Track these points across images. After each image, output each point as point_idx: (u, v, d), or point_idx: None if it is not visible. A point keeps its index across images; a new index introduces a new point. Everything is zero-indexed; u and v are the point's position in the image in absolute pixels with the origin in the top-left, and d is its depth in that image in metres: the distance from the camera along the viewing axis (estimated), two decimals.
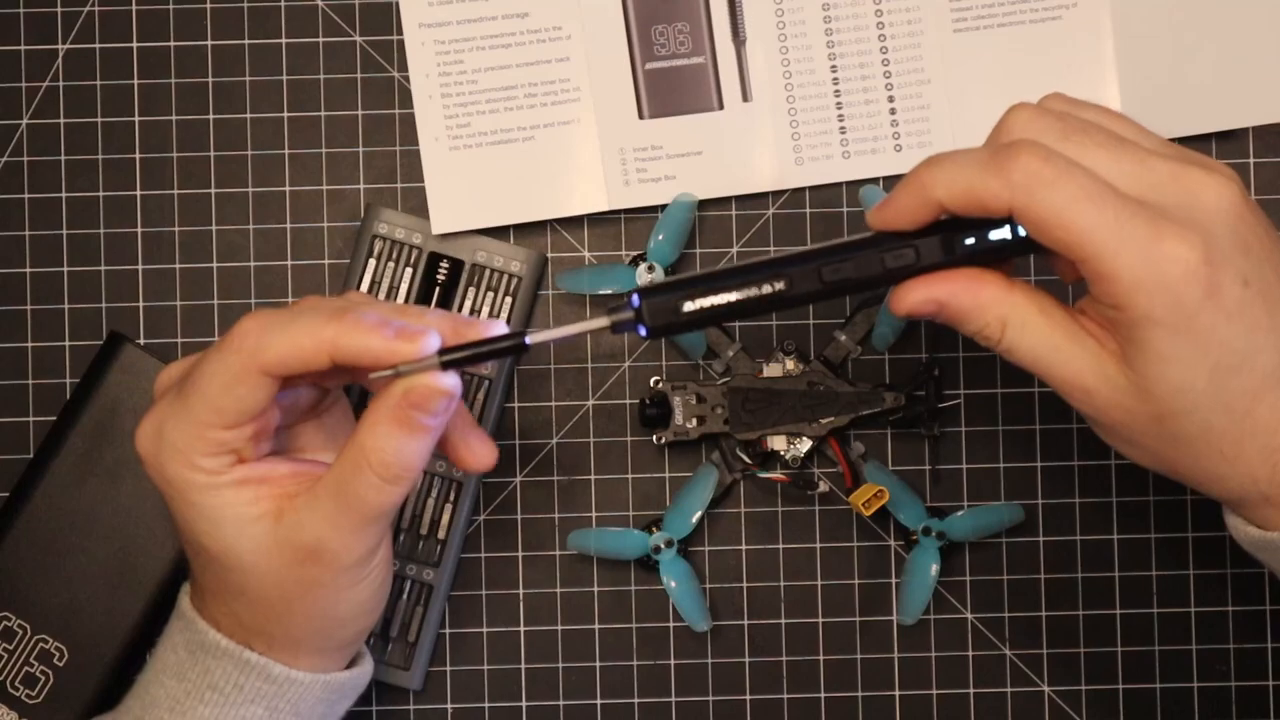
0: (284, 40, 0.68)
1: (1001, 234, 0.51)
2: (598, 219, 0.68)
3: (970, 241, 0.52)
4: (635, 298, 0.52)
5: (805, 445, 0.66)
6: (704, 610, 0.66)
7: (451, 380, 0.52)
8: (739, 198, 0.68)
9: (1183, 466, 0.52)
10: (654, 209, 0.68)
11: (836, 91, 0.68)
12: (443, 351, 0.52)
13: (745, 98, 0.68)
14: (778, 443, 0.66)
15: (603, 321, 0.53)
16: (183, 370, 0.56)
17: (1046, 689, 0.67)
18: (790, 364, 0.66)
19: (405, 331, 0.52)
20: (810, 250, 0.52)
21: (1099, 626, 0.67)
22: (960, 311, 0.52)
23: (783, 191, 0.68)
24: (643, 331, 0.52)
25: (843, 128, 0.68)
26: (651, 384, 0.67)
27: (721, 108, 0.68)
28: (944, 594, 0.67)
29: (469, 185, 0.67)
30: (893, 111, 0.68)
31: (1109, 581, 0.68)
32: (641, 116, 0.68)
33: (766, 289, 0.52)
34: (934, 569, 0.66)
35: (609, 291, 0.66)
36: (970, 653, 0.67)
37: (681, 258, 0.67)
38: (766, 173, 0.68)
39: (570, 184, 0.68)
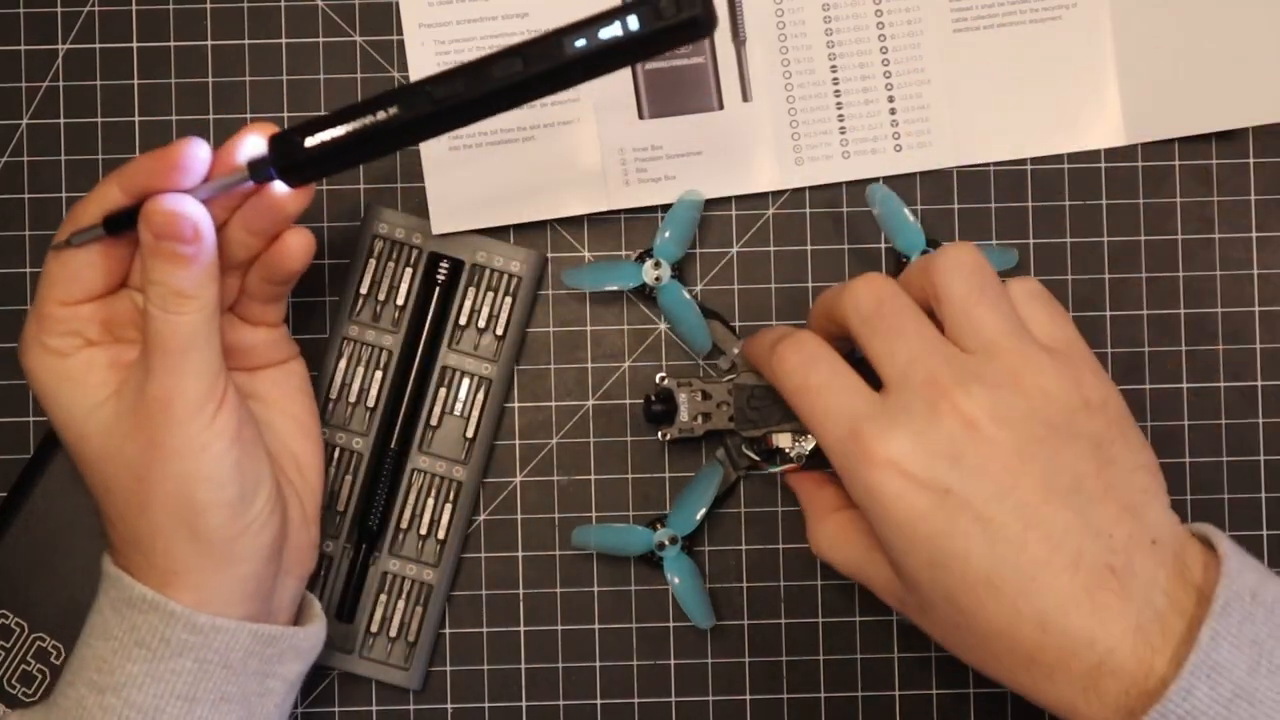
0: (284, 40, 0.68)
1: (613, 31, 0.52)
2: (598, 219, 0.68)
3: (581, 43, 0.52)
4: (266, 144, 0.55)
5: (810, 443, 0.66)
6: (708, 608, 0.66)
7: (186, 204, 0.54)
8: (739, 198, 0.68)
9: (974, 659, 0.54)
10: (654, 209, 0.68)
11: (836, 91, 0.68)
12: (107, 217, 0.56)
13: (745, 98, 0.68)
14: (783, 440, 0.66)
15: (242, 172, 0.55)
16: None
17: None
18: None
19: (169, 146, 0.55)
20: (429, 77, 0.53)
21: None
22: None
23: (783, 191, 0.68)
24: (273, 174, 0.55)
25: (842, 128, 0.68)
26: (657, 380, 0.67)
27: (721, 108, 0.68)
28: None
29: (469, 185, 0.67)
30: (893, 111, 0.68)
31: None
32: (641, 116, 0.68)
33: (381, 115, 0.53)
34: None
35: (614, 288, 0.66)
36: None
37: (687, 256, 0.67)
38: (766, 173, 0.68)
39: (570, 184, 0.68)
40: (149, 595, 0.55)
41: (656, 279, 0.66)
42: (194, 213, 0.54)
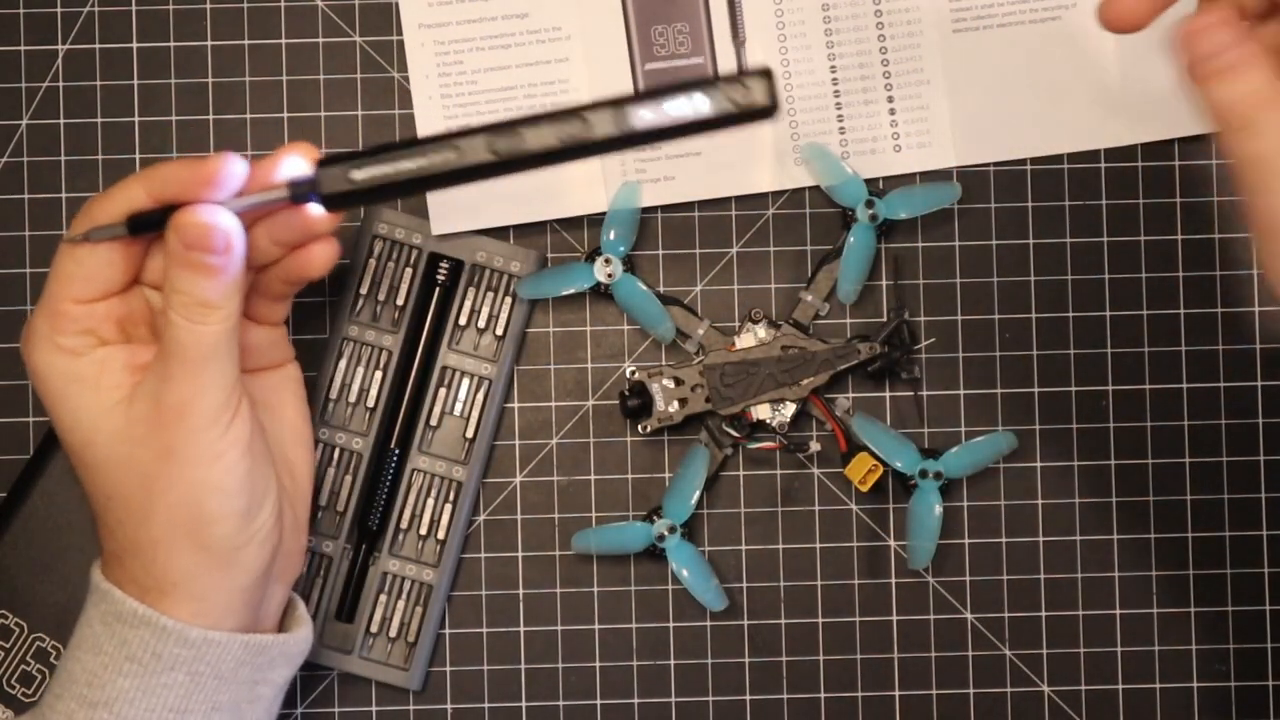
0: (284, 40, 0.68)
1: (679, 109, 0.53)
2: (598, 219, 0.68)
3: (647, 115, 0.53)
4: (313, 168, 0.55)
5: (790, 409, 0.66)
6: (718, 590, 0.66)
7: (220, 217, 0.54)
8: (739, 198, 0.68)
9: None
10: (654, 209, 0.68)
11: (836, 92, 0.68)
12: (131, 217, 0.55)
13: None
14: (762, 411, 0.66)
15: (282, 192, 0.55)
16: None
17: (1046, 689, 0.67)
18: (761, 331, 0.66)
19: (206, 158, 0.55)
20: (487, 124, 0.54)
21: (1099, 626, 0.67)
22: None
23: (782, 192, 0.68)
24: (314, 198, 0.54)
25: (842, 128, 0.68)
26: (628, 375, 0.67)
27: None
28: (944, 594, 0.67)
29: (469, 186, 0.67)
30: (892, 112, 0.68)
31: (1109, 581, 0.68)
32: None
33: (436, 158, 0.53)
34: (937, 510, 0.66)
35: (570, 291, 0.66)
36: (970, 653, 0.67)
37: (685, 256, 0.67)
38: (766, 173, 0.68)
39: (569, 184, 0.68)
40: (140, 610, 0.55)
41: (609, 276, 0.66)
42: (227, 225, 0.54)
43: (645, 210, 0.68)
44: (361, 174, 0.54)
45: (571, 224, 0.68)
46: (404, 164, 0.54)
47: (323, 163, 0.55)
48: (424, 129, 0.67)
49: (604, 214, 0.67)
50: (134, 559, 0.56)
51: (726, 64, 0.68)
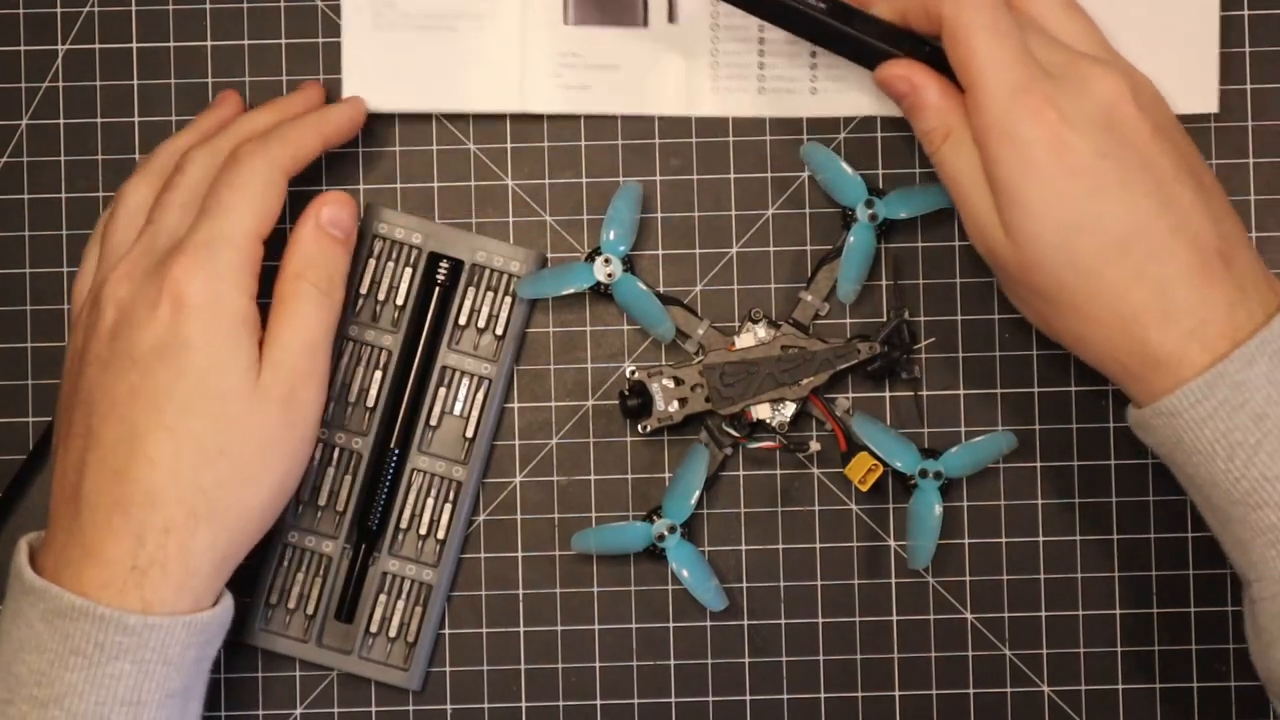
0: (284, 40, 0.68)
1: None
2: (597, 220, 0.68)
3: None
4: None
5: (789, 409, 0.66)
6: (718, 590, 0.66)
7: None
8: (738, 198, 0.68)
9: (1055, 324, 0.59)
10: (654, 210, 0.68)
11: (760, 25, 0.67)
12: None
13: (671, 19, 0.67)
14: (762, 411, 0.66)
15: None
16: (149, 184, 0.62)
17: (1046, 689, 0.67)
18: (761, 331, 0.66)
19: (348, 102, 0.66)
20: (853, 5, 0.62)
21: (1099, 626, 0.67)
22: (922, 104, 0.59)
23: (782, 191, 0.68)
24: None
25: (761, 64, 0.68)
26: (628, 375, 0.67)
27: (646, 25, 0.67)
28: (944, 594, 0.67)
29: (389, 66, 0.67)
30: (813, 54, 0.67)
31: (1109, 581, 0.68)
32: (566, 22, 0.67)
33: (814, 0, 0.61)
34: (937, 509, 0.66)
35: (571, 291, 0.66)
36: (970, 653, 0.67)
37: (684, 256, 0.67)
38: (679, 96, 0.67)
39: (488, 78, 0.67)
40: (79, 603, 0.55)
41: (609, 275, 0.66)
42: (354, 202, 0.64)
43: (645, 210, 0.68)
44: None
45: (571, 224, 0.68)
46: None
47: None
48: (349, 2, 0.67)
49: (602, 216, 0.67)
50: (151, 534, 0.56)
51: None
